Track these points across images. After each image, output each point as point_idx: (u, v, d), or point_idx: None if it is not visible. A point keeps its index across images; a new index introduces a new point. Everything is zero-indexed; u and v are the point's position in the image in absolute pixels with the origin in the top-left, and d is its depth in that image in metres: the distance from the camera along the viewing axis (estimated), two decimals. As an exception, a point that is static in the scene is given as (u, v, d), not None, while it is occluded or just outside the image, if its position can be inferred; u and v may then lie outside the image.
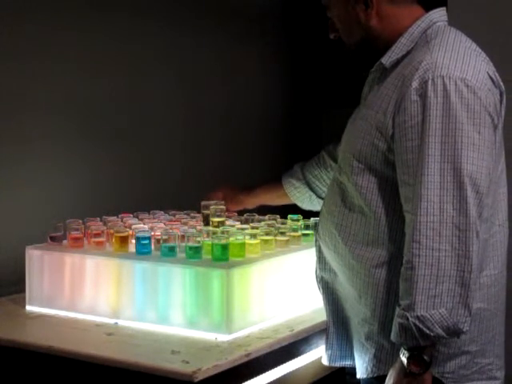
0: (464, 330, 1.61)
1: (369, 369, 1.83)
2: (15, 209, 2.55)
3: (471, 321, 1.66)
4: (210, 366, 1.74)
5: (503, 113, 1.77)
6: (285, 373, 2.02)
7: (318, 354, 2.07)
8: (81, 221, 2.27)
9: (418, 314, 1.60)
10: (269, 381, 1.96)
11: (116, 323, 2.09)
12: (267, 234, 2.15)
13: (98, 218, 2.35)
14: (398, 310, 1.65)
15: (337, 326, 1.96)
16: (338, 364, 1.99)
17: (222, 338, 1.94)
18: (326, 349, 1.99)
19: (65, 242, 2.25)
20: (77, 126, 2.77)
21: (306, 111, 4.11)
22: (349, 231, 1.83)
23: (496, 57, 1.86)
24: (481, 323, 1.74)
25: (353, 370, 1.92)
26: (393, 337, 1.66)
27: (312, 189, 2.27)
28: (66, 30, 2.71)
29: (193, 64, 3.30)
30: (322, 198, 2.22)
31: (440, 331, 1.59)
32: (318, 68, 4.09)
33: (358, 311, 1.85)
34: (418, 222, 1.62)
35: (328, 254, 1.92)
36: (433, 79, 1.66)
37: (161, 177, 3.09)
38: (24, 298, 2.26)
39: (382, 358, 1.79)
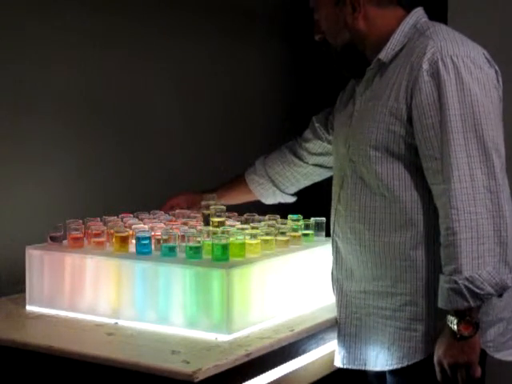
0: (510, 284, 1.70)
1: (411, 353, 1.86)
2: (15, 209, 2.55)
3: None
4: (210, 366, 1.74)
5: (501, 92, 1.88)
6: (285, 373, 2.02)
7: (319, 354, 2.07)
8: (81, 221, 2.27)
9: (467, 275, 1.67)
10: (269, 381, 1.95)
11: (116, 323, 2.09)
12: (267, 234, 2.15)
13: (98, 218, 2.35)
14: (443, 277, 1.72)
15: (350, 327, 1.98)
16: (351, 366, 2.01)
17: (223, 338, 1.93)
18: (339, 351, 2.01)
19: (65, 242, 2.25)
20: (77, 126, 2.76)
21: (307, 110, 4.10)
22: (374, 221, 1.89)
23: (495, 57, 1.90)
24: (511, 289, 1.80)
25: (373, 372, 1.94)
26: (441, 303, 1.72)
27: (275, 185, 2.38)
28: (66, 30, 2.71)
29: (193, 64, 3.30)
30: (285, 192, 2.39)
31: (489, 289, 1.67)
32: (318, 67, 4.08)
33: (389, 302, 1.89)
34: (452, 189, 1.71)
35: (347, 253, 1.97)
36: (442, 59, 1.77)
37: (161, 176, 3.09)
38: (24, 298, 2.25)
39: (432, 335, 1.82)
